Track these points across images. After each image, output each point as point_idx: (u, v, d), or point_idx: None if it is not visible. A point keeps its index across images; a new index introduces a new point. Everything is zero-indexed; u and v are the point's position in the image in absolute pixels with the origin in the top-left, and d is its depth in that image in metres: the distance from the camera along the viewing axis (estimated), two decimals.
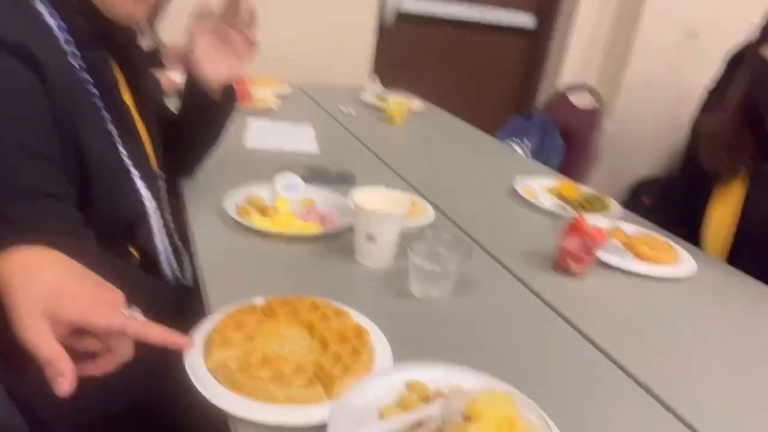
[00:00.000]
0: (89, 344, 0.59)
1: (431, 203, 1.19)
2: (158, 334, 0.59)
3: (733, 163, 1.20)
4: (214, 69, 0.99)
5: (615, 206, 1.33)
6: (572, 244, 0.98)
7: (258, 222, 0.99)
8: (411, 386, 0.65)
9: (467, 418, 0.53)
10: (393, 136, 1.79)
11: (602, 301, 0.95)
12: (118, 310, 0.59)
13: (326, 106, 1.96)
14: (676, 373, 0.78)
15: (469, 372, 0.66)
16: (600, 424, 0.65)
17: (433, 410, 0.57)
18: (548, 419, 0.58)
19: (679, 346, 0.85)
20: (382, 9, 2.68)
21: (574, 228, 0.99)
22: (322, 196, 1.14)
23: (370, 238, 0.91)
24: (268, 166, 1.30)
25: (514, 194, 1.35)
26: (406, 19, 2.82)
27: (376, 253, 0.93)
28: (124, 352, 0.60)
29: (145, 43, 1.59)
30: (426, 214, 1.11)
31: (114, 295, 0.60)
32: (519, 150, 2.11)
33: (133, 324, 0.58)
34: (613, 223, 1.21)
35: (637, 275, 1.03)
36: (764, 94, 1.14)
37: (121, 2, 0.77)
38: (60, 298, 0.55)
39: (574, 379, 0.74)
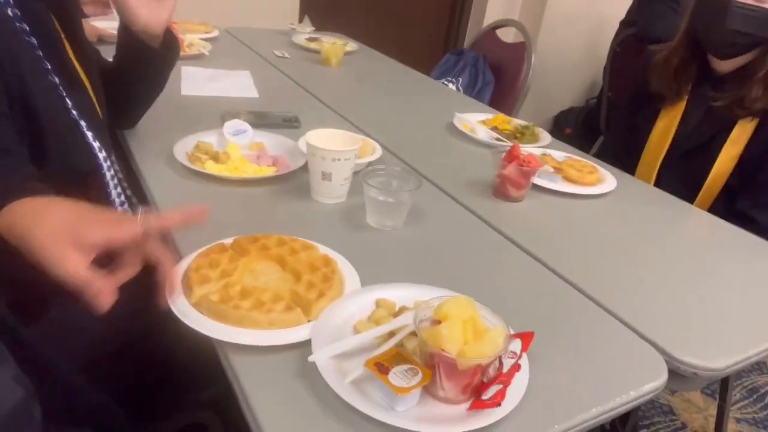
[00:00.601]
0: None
1: (377, 141, 1.24)
2: (178, 216, 0.65)
3: (677, 86, 1.39)
4: (147, 14, 0.96)
5: (545, 135, 1.43)
6: (511, 171, 1.07)
7: (212, 168, 1.01)
8: (380, 304, 0.72)
9: (436, 322, 0.60)
10: (330, 77, 1.80)
11: (538, 220, 1.05)
12: (134, 220, 0.63)
13: (259, 50, 1.93)
14: (603, 275, 0.89)
15: (429, 288, 0.74)
16: (543, 322, 0.75)
17: (404, 320, 0.65)
18: (502, 319, 0.67)
19: (605, 252, 0.97)
20: None
21: (512, 156, 1.07)
22: (270, 140, 1.17)
23: (326, 176, 0.96)
24: (211, 113, 1.30)
25: (453, 129, 1.42)
26: None
27: (332, 190, 0.97)
28: (137, 262, 0.64)
29: None
30: (374, 152, 1.16)
31: (123, 214, 0.63)
32: (452, 87, 2.17)
33: (152, 220, 0.63)
34: (543, 150, 1.31)
35: (566, 195, 1.14)
36: (703, 25, 1.32)
37: None
38: (80, 223, 0.59)
39: (518, 287, 0.84)
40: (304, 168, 1.02)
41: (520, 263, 0.90)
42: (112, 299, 0.58)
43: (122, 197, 0.96)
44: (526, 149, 1.16)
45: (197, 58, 1.70)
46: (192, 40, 1.75)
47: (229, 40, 2.03)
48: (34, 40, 0.77)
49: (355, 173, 0.99)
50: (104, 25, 1.74)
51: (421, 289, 0.74)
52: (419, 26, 3.20)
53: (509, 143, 1.30)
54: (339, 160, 0.95)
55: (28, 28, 0.76)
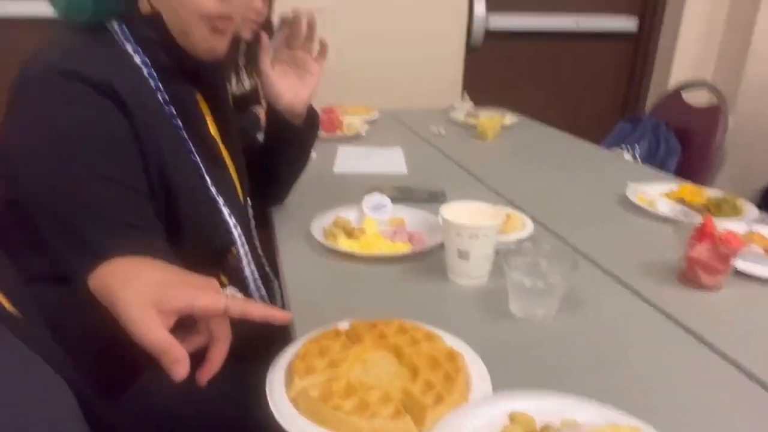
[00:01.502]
0: (193, 339, 0.60)
1: (529, 215, 1.09)
2: (260, 310, 0.61)
3: None
4: (290, 93, 0.98)
5: (749, 208, 1.15)
6: (702, 252, 0.84)
7: (344, 244, 0.96)
8: (515, 419, 0.56)
9: None
10: (485, 151, 1.71)
11: (741, 315, 0.80)
12: (220, 292, 0.60)
13: (415, 128, 1.92)
14: None
15: (583, 402, 0.57)
16: None
17: None
18: None
19: None
20: (469, 28, 2.64)
21: (703, 234, 0.85)
22: (411, 215, 1.09)
23: (462, 254, 0.84)
24: (357, 189, 1.27)
25: (626, 202, 1.21)
26: (495, 35, 2.75)
27: (470, 270, 0.85)
28: (226, 335, 0.61)
29: (239, 84, 1.65)
30: (524, 227, 1.02)
31: (210, 281, 0.62)
32: (628, 156, 1.93)
33: (235, 303, 0.59)
34: (748, 226, 1.04)
35: None
36: None
37: (201, 39, 0.77)
38: (164, 288, 0.57)
39: (716, 408, 0.61)
40: (442, 245, 0.91)
41: (717, 373, 0.67)
42: (187, 371, 0.54)
43: (256, 274, 0.95)
44: (724, 225, 0.91)
45: (355, 139, 1.74)
46: (351, 121, 1.80)
47: (388, 120, 2.07)
48: (179, 122, 0.80)
49: (501, 252, 0.86)
50: None
51: (573, 402, 0.57)
52: (591, 94, 3.00)
53: (699, 218, 1.06)
54: (477, 236, 0.82)
55: (174, 110, 0.79)
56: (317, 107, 1.93)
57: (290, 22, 0.95)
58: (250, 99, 1.75)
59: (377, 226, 1.04)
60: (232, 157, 0.95)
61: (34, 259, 0.77)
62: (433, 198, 1.22)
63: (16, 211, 0.72)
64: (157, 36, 0.76)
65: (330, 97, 2.18)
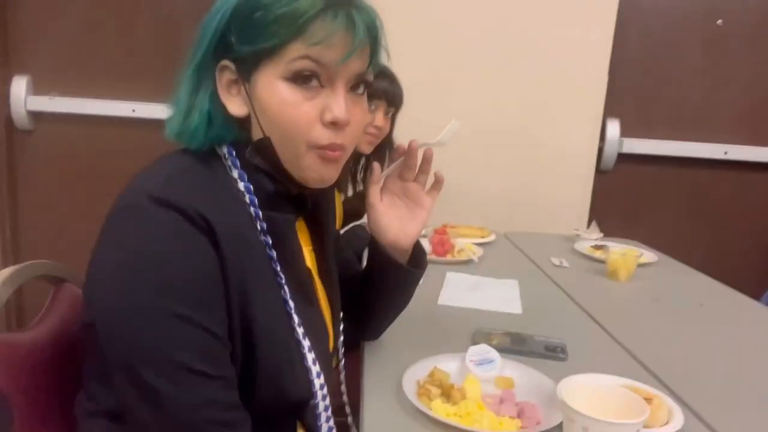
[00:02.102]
0: None
1: (676, 398, 0.87)
2: None
3: None
4: (397, 227, 0.90)
5: None
6: None
7: (439, 410, 0.80)
8: None
9: None
10: (616, 295, 1.49)
11: None
12: None
13: (534, 257, 1.75)
14: None
15: None
16: None
17: None
18: None
19: None
20: (600, 150, 2.49)
21: None
22: (522, 376, 0.91)
23: None
24: (462, 328, 1.13)
25: None
26: (628, 159, 2.56)
27: None
28: None
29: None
30: (670, 417, 0.80)
31: None
32: None
33: None
34: None
35: None
36: None
37: (311, 168, 0.71)
38: None
39: None
40: (561, 429, 0.73)
41: None
42: None
43: (332, 425, 0.81)
44: None
45: (465, 264, 1.61)
46: (463, 245, 1.68)
47: (504, 245, 1.93)
48: (273, 253, 0.73)
49: None
50: None
51: None
52: (745, 234, 2.64)
53: None
54: None
55: (270, 240, 0.72)
56: (429, 228, 1.87)
57: (405, 153, 0.88)
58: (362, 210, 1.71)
59: (481, 387, 0.87)
60: (328, 294, 0.86)
61: (103, 390, 0.71)
62: (550, 353, 1.03)
63: (92, 336, 0.67)
64: (264, 162, 0.71)
65: (444, 216, 2.12)
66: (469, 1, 2.26)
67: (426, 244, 1.67)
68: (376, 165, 0.90)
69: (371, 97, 1.62)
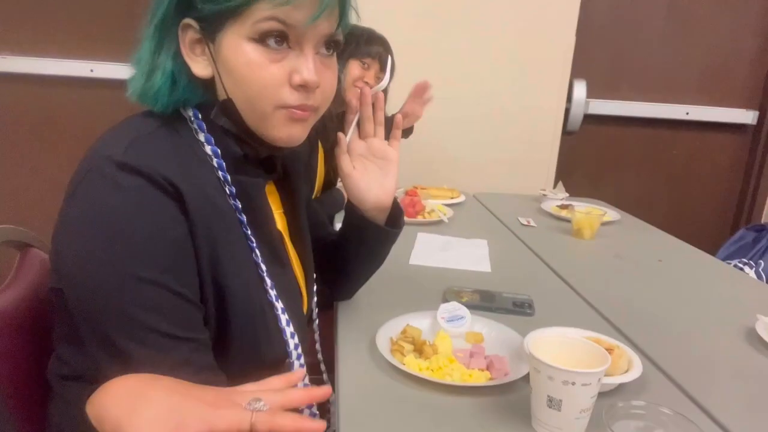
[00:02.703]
0: None
1: (637, 349, 0.91)
2: (290, 422, 0.52)
3: None
4: (376, 188, 0.90)
5: None
6: None
7: (412, 364, 0.83)
8: None
9: None
10: (581, 252, 1.54)
11: None
12: (243, 408, 0.52)
13: (502, 217, 1.79)
14: None
15: None
16: None
17: None
18: None
19: None
20: (567, 111, 2.51)
21: None
22: (492, 331, 0.95)
23: (553, 403, 0.68)
24: (433, 286, 1.16)
25: (756, 339, 1.00)
26: (593, 120, 2.60)
27: (562, 424, 0.69)
28: None
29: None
30: (630, 366, 0.84)
31: (234, 395, 0.54)
32: (751, 274, 1.68)
33: (262, 418, 0.51)
34: None
35: None
36: None
37: (278, 127, 0.70)
38: (177, 414, 0.50)
39: None
40: (528, 379, 0.76)
41: None
42: None
43: (307, 383, 0.83)
44: None
45: (436, 225, 1.63)
46: (433, 206, 1.70)
47: (474, 205, 1.96)
48: (243, 217, 0.73)
49: (601, 397, 0.69)
50: None
51: None
52: (703, 194, 2.74)
53: None
54: (574, 384, 0.67)
55: (240, 204, 0.72)
56: (401, 190, 1.87)
57: (358, 106, 0.88)
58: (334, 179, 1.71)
59: (452, 342, 0.90)
60: (300, 255, 0.87)
61: (75, 353, 0.71)
62: (518, 309, 1.07)
63: (60, 300, 0.66)
64: (231, 124, 0.70)
65: (415, 178, 2.12)
66: None
67: None
68: (340, 135, 0.89)
69: (366, 56, 1.61)
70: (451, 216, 1.70)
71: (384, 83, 0.93)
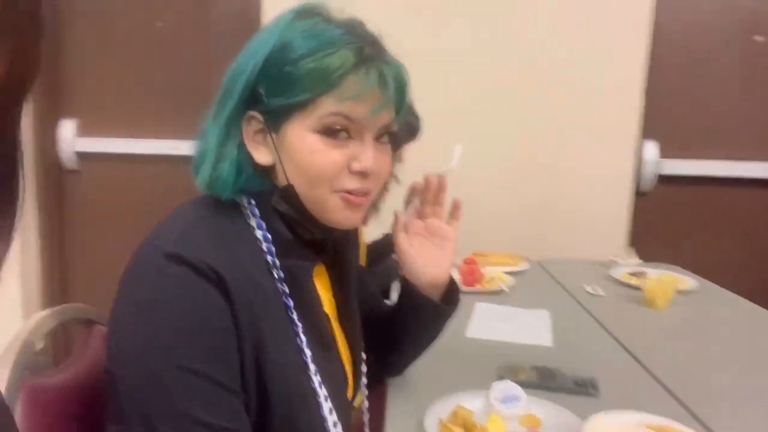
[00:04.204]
0: None
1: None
2: None
3: None
4: (432, 266, 0.89)
5: None
6: None
7: None
8: None
9: None
10: (653, 324, 1.44)
11: None
12: None
13: (568, 285, 1.71)
14: None
15: None
16: None
17: None
18: None
19: None
20: (638, 171, 2.42)
21: None
22: (550, 415, 0.89)
23: None
24: (489, 362, 1.11)
25: None
26: (668, 180, 2.49)
27: None
28: None
29: None
30: None
31: None
32: None
33: None
34: None
35: None
36: None
37: (336, 211, 0.72)
38: None
39: None
40: None
41: None
42: None
43: None
44: None
45: (495, 294, 1.59)
46: (494, 274, 1.66)
47: (536, 273, 1.89)
48: (290, 302, 0.73)
49: None
50: None
51: None
52: None
53: None
54: None
55: (287, 289, 0.73)
56: (458, 256, 1.84)
57: (421, 190, 0.89)
58: (386, 246, 1.72)
59: (506, 426, 0.85)
60: (347, 337, 0.86)
61: None
62: (580, 389, 1.00)
63: (112, 383, 0.68)
64: (290, 208, 0.72)
65: (475, 243, 2.09)
66: (497, 26, 2.26)
67: (455, 274, 1.66)
68: (397, 213, 0.90)
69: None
70: (512, 284, 1.65)
71: (450, 169, 0.94)
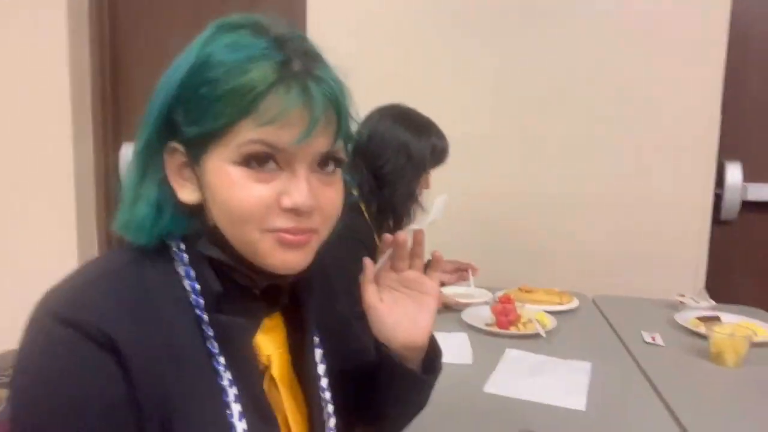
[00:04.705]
0: None
1: None
2: None
3: None
4: (407, 323, 0.74)
5: None
6: None
7: None
8: None
9: None
10: (718, 386, 1.19)
11: None
12: None
13: (621, 330, 1.49)
14: None
15: None
16: None
17: None
18: None
19: None
20: (718, 197, 2.14)
21: None
22: None
23: None
24: (506, 428, 0.94)
25: None
26: (754, 207, 2.18)
27: None
28: None
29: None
30: None
31: None
32: None
33: None
34: None
35: None
36: None
37: (270, 254, 0.60)
38: None
39: None
40: None
41: None
42: None
43: None
44: None
45: (532, 340, 1.40)
46: (532, 315, 1.47)
47: (588, 314, 1.67)
48: (221, 363, 0.61)
49: None
50: (450, 291, 1.67)
51: None
52: None
53: None
54: None
55: (217, 348, 0.61)
56: (502, 284, 1.68)
57: (392, 244, 0.74)
58: None
59: None
60: (308, 402, 0.73)
61: None
62: None
63: None
64: (221, 253, 0.62)
65: (519, 276, 1.90)
66: (569, 41, 2.08)
67: (488, 313, 1.49)
68: (366, 261, 0.76)
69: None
70: (552, 328, 1.45)
71: (430, 221, 0.80)
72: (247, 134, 0.56)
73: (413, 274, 0.75)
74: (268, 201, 0.58)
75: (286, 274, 0.63)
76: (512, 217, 2.17)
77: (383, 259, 0.75)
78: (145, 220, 0.61)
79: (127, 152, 2.59)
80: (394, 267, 0.75)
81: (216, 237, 0.61)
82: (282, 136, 0.56)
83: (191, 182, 0.62)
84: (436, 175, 1.49)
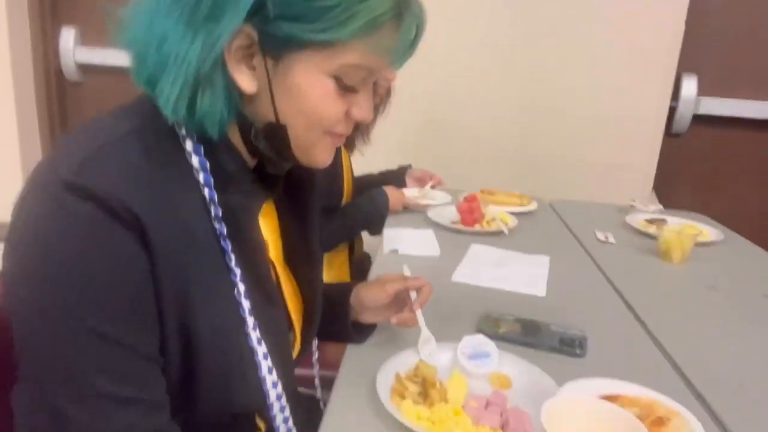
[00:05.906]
0: None
1: (716, 420, 0.71)
2: None
3: None
4: (374, 317, 0.90)
5: None
6: None
7: (408, 412, 0.69)
8: None
9: None
10: (665, 280, 1.30)
11: None
12: None
13: (577, 230, 1.57)
14: None
15: None
16: None
17: None
18: None
19: None
20: (672, 110, 2.20)
21: None
22: (522, 375, 0.78)
23: None
24: (470, 312, 1.00)
25: None
26: (704, 121, 2.27)
27: None
28: None
29: None
30: None
31: None
32: None
33: None
34: None
35: None
36: None
37: (324, 151, 0.64)
38: None
39: None
40: None
41: None
42: None
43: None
44: None
45: (495, 237, 1.46)
46: (495, 214, 1.52)
47: (546, 215, 1.74)
48: (228, 244, 0.61)
49: None
50: (411, 194, 1.69)
51: None
52: None
53: None
54: None
55: (225, 229, 0.60)
56: (464, 188, 1.71)
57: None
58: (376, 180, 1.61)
59: (469, 386, 0.75)
60: (301, 287, 0.75)
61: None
62: (565, 348, 0.89)
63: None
64: (270, 148, 0.62)
65: (483, 179, 1.95)
66: None
67: (452, 213, 1.53)
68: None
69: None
70: (514, 226, 1.51)
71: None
72: (358, 57, 0.57)
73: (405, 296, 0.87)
74: (343, 112, 0.61)
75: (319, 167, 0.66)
76: (475, 124, 2.19)
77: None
78: (222, 112, 0.57)
79: (67, 36, 2.41)
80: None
81: (272, 132, 0.60)
82: (383, 65, 0.60)
83: (251, 70, 0.57)
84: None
